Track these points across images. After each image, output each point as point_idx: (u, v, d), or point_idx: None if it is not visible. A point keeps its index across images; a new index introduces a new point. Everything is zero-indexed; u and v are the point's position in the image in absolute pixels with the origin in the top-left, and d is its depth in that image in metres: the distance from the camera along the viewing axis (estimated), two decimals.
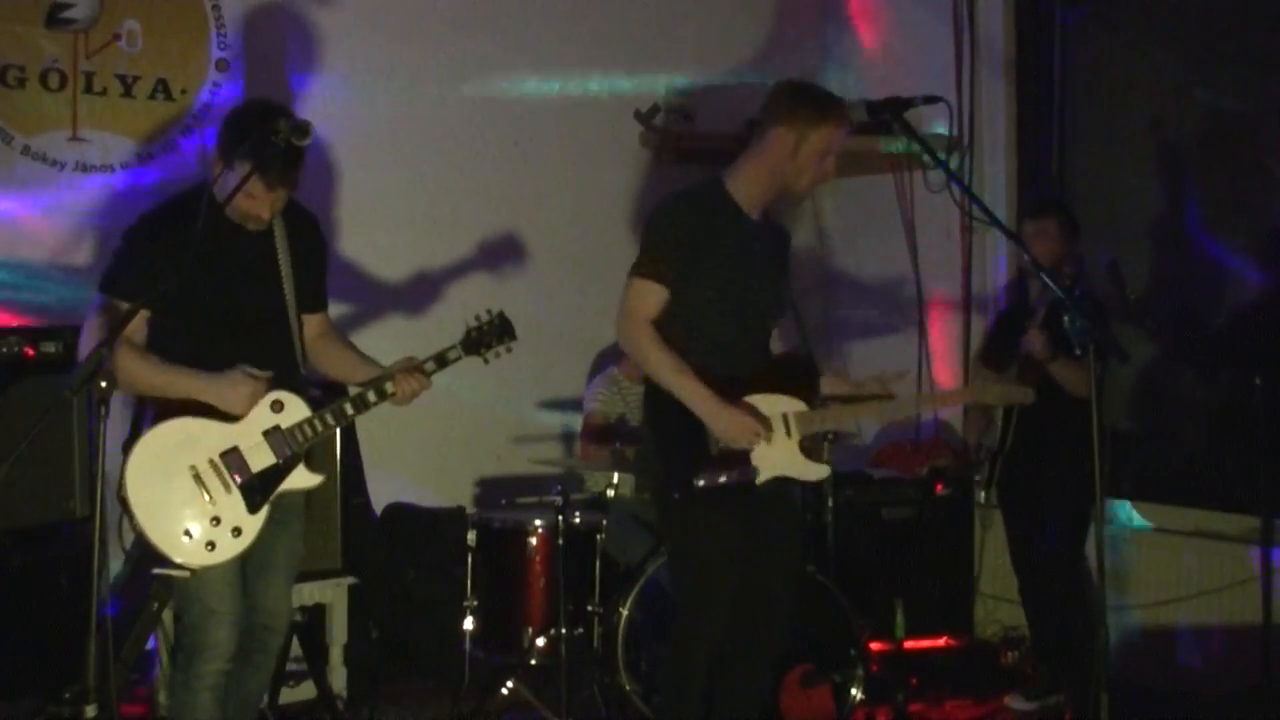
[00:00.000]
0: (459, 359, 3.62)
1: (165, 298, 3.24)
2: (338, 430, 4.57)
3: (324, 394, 3.81)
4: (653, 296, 3.67)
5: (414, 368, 3.54)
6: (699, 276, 3.67)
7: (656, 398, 3.72)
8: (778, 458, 3.67)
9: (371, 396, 3.50)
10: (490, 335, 3.66)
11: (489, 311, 3.69)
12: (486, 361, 3.68)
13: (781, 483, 3.75)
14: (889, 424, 6.02)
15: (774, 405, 3.68)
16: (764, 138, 3.74)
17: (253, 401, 3.36)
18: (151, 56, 5.04)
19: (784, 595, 3.86)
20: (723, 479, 3.59)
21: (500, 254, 5.71)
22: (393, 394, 3.51)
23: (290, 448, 3.41)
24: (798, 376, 3.77)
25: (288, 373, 3.50)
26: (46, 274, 4.88)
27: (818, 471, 3.75)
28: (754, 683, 3.92)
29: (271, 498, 3.40)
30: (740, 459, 3.62)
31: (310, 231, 3.66)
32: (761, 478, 3.65)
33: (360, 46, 5.58)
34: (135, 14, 5.01)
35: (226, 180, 3.34)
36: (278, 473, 3.41)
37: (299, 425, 3.42)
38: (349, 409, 3.48)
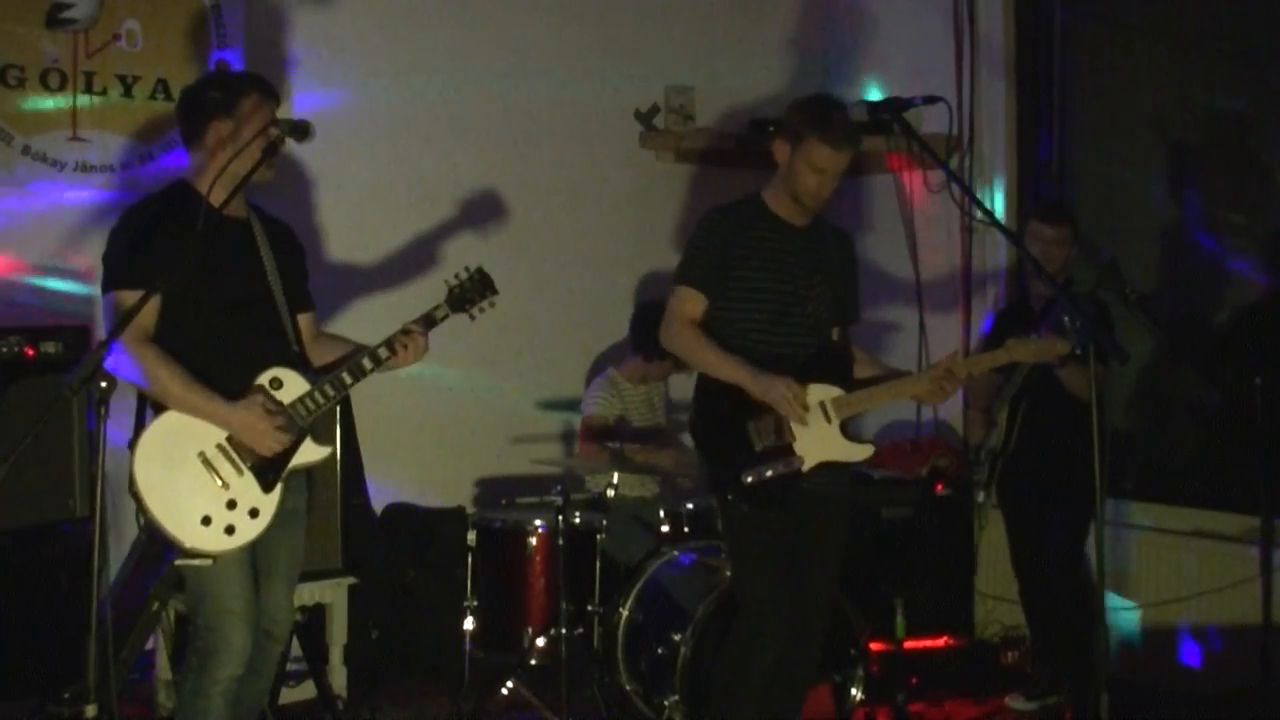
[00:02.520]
0: (446, 317, 3.63)
1: (180, 282, 3.22)
2: (339, 431, 4.62)
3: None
4: (692, 301, 3.77)
5: (402, 331, 3.54)
6: (737, 282, 3.75)
7: (700, 402, 3.80)
8: (820, 444, 3.71)
9: (367, 363, 3.49)
10: (473, 291, 3.67)
11: (467, 269, 3.70)
12: (472, 318, 3.68)
13: (834, 490, 3.78)
14: (894, 421, 6.03)
15: (811, 394, 3.71)
16: (779, 150, 3.82)
17: (267, 429, 3.33)
18: (151, 56, 5.04)
19: (824, 604, 3.88)
20: (769, 472, 3.64)
21: (500, 253, 5.69)
22: (387, 359, 3.50)
23: (295, 423, 3.40)
24: (832, 365, 3.81)
25: (281, 350, 3.48)
26: (46, 274, 4.88)
27: (862, 452, 3.79)
28: (793, 691, 3.92)
29: (283, 475, 3.39)
30: (784, 451, 3.66)
31: (287, 236, 3.68)
32: (807, 465, 3.69)
33: (360, 47, 5.58)
34: (135, 14, 5.01)
35: (202, 157, 3.41)
36: (285, 449, 3.39)
37: (300, 400, 3.41)
38: (347, 378, 3.46)
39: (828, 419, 3.72)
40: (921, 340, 6.06)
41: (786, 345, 3.78)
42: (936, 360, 3.94)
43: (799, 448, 3.68)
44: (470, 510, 5.25)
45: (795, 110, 3.79)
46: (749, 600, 3.79)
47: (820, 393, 3.72)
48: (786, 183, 3.79)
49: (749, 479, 3.64)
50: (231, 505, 3.32)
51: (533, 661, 4.66)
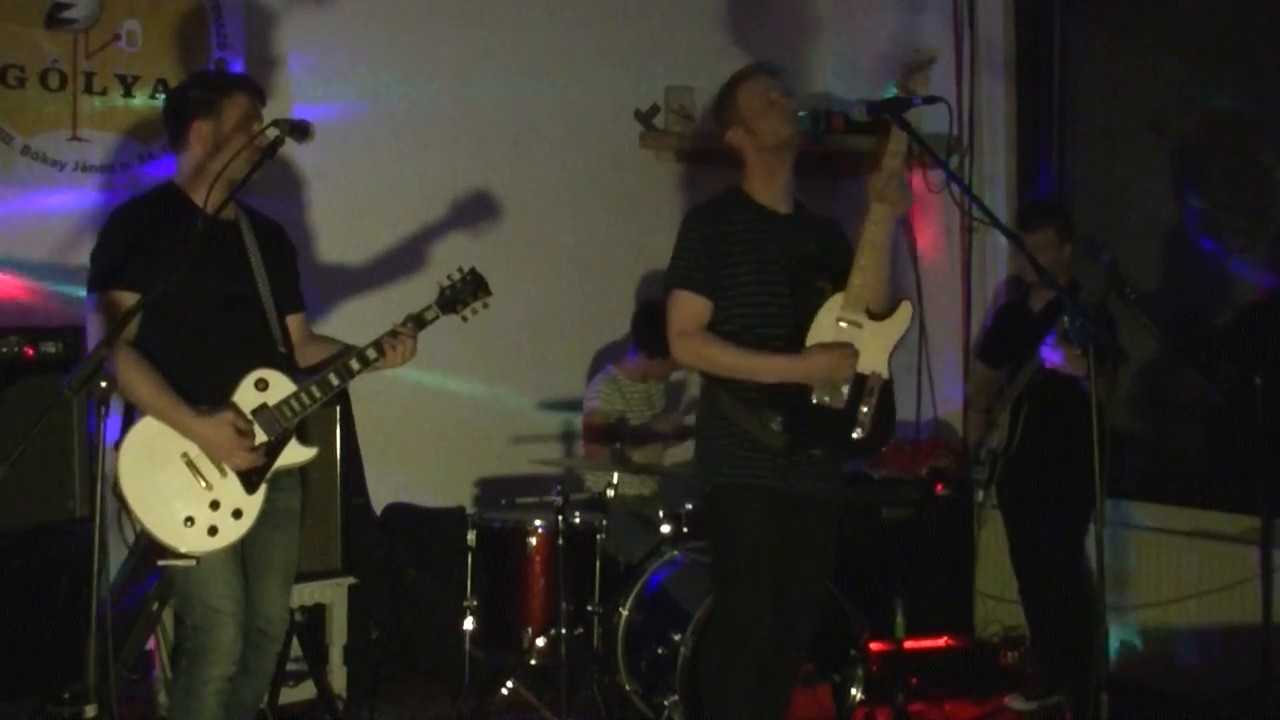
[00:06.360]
0: (436, 318, 3.60)
1: (179, 285, 3.21)
2: (338, 430, 4.62)
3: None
4: (697, 306, 3.68)
5: (391, 331, 3.52)
6: (728, 279, 3.68)
7: (711, 402, 3.73)
8: (872, 344, 3.63)
9: (355, 365, 3.47)
10: (465, 292, 3.64)
11: (460, 270, 3.67)
12: (465, 320, 3.65)
13: (824, 492, 3.76)
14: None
15: (824, 314, 3.64)
16: (733, 135, 3.82)
17: (233, 448, 3.32)
18: (151, 56, 5.04)
19: (809, 605, 3.86)
20: (845, 390, 3.59)
21: (500, 253, 5.70)
22: (375, 359, 3.48)
23: (279, 424, 3.39)
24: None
25: (267, 351, 3.47)
26: (46, 274, 4.88)
27: (900, 320, 3.68)
28: (776, 693, 3.91)
29: (268, 476, 3.39)
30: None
31: (277, 236, 3.67)
32: (881, 369, 3.63)
33: (360, 46, 5.58)
34: (135, 14, 5.01)
35: (188, 157, 3.44)
36: (270, 451, 3.39)
37: (285, 401, 3.40)
38: (334, 379, 3.45)
39: (858, 324, 3.63)
40: (922, 340, 6.05)
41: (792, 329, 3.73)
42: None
43: (861, 364, 3.60)
44: (470, 510, 5.24)
45: (723, 91, 3.83)
46: (728, 600, 3.77)
47: (829, 311, 3.65)
48: (760, 151, 3.75)
49: (823, 398, 3.55)
50: (215, 506, 3.32)
51: (533, 661, 4.66)
